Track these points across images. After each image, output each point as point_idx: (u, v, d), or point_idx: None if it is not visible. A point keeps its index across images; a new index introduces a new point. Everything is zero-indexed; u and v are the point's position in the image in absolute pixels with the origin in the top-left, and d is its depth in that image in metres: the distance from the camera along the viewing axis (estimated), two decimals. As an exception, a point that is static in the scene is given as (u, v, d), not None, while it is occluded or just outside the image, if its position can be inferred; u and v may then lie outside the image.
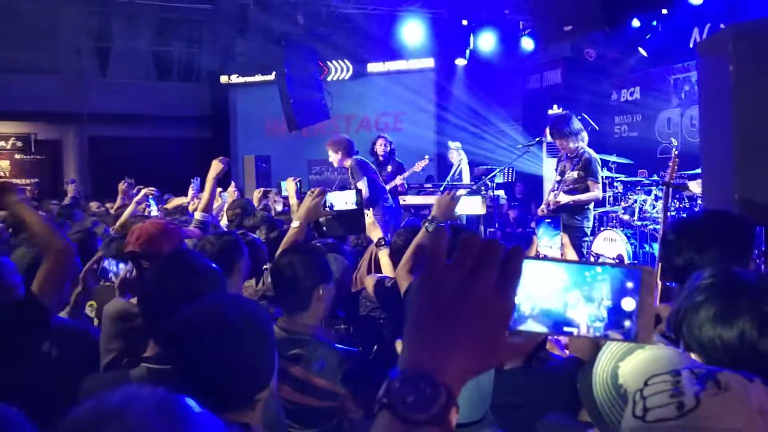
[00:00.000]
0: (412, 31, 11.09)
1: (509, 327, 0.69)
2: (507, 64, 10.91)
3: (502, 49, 10.47)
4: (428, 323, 0.64)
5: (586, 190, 5.06)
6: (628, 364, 1.08)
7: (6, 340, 1.95)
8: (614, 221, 7.46)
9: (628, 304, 0.68)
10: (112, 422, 0.69)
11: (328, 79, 13.79)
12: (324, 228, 2.95)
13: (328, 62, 13.75)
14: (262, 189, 6.34)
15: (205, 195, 3.73)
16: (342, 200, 2.81)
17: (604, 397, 1.11)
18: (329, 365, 2.29)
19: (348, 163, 6.18)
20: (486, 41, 10.21)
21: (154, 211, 4.74)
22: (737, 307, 1.21)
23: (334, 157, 6.23)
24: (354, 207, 2.78)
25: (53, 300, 2.17)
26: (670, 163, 3.64)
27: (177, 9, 13.71)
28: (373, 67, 13.81)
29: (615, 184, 7.46)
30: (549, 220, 2.12)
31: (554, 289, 0.70)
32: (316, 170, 12.95)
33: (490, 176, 7.07)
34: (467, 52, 9.93)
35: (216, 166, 3.74)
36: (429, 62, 13.02)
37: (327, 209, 2.75)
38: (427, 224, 2.59)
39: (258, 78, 14.34)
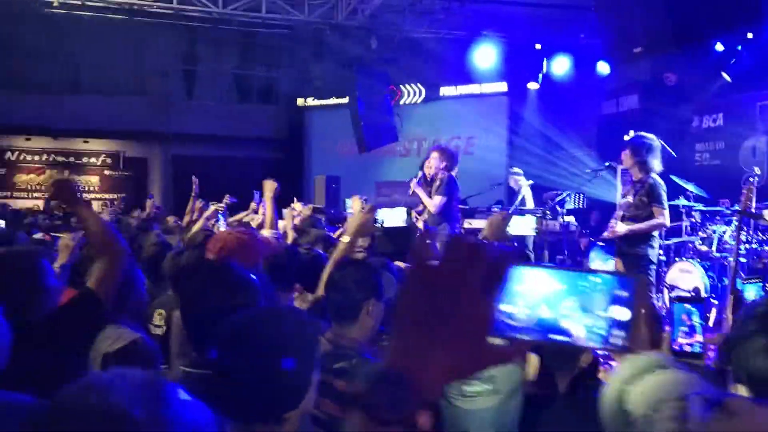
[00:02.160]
0: (485, 55, 11.08)
1: (502, 333, 0.68)
2: (581, 89, 10.72)
3: (577, 73, 10.30)
4: (410, 325, 0.65)
5: (650, 216, 4.85)
6: (637, 389, 1.02)
7: (63, 337, 2.03)
8: (691, 252, 7.12)
9: (622, 313, 0.67)
10: (96, 394, 0.73)
11: (401, 102, 13.96)
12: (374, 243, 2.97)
13: (401, 86, 13.93)
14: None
15: (268, 213, 3.91)
16: (392, 217, 2.82)
17: (611, 423, 1.06)
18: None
19: (442, 175, 6.12)
20: (560, 65, 10.08)
21: (222, 226, 4.92)
22: None
23: (435, 164, 6.16)
24: (403, 224, 2.79)
25: (107, 300, 2.25)
26: (745, 191, 3.45)
27: (258, 34, 14.29)
28: (445, 90, 13.87)
29: (692, 213, 7.14)
30: (602, 244, 2.05)
31: (550, 297, 0.69)
32: (383, 192, 13.05)
33: (557, 200, 6.91)
34: (540, 76, 9.82)
35: (270, 186, 3.98)
36: (502, 86, 12.95)
37: (378, 225, 2.77)
38: (478, 244, 2.56)
39: (333, 101, 14.67)
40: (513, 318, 0.69)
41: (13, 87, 14.20)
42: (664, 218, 4.91)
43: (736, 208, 6.87)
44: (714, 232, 6.84)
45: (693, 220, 7.15)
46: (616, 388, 1.11)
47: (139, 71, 15.14)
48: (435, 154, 6.30)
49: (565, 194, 7.10)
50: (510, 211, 7.87)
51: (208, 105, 15.53)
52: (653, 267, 5.10)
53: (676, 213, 7.62)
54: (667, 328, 1.91)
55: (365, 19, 11.30)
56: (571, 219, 8.25)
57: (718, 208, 7.19)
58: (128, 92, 15.05)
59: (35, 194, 14.74)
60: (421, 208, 6.72)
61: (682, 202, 7.25)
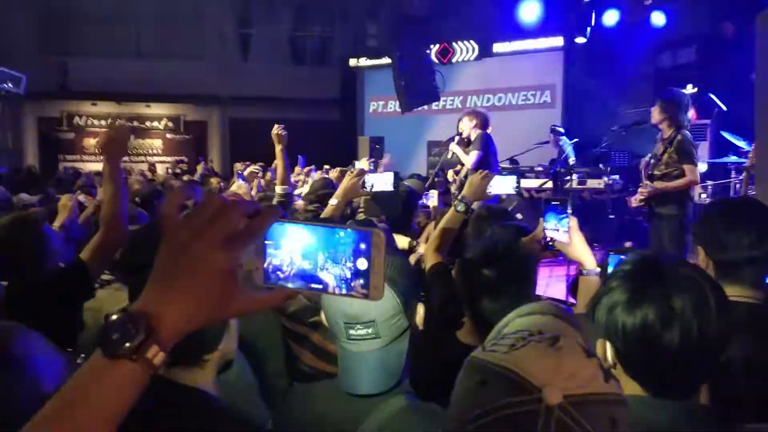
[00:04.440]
0: (533, 9, 10.73)
1: (270, 282, 0.76)
2: (636, 41, 10.26)
3: (630, 25, 9.86)
4: (157, 272, 0.72)
5: (682, 174, 4.66)
6: (520, 320, 1.10)
7: (53, 301, 2.20)
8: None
9: (362, 263, 0.73)
10: None
11: (453, 60, 13.75)
12: (362, 208, 3.04)
13: (454, 43, 13.70)
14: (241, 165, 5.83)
15: (279, 168, 3.77)
16: (381, 182, 2.88)
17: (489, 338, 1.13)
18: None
19: (476, 134, 6.28)
20: (611, 17, 9.67)
21: (242, 187, 5.10)
22: (646, 295, 1.16)
23: (467, 125, 6.36)
24: (391, 189, 2.84)
25: (99, 269, 2.40)
26: (752, 148, 3.29)
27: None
28: (499, 47, 13.56)
29: (741, 170, 6.82)
30: (557, 202, 2.07)
31: (307, 250, 0.76)
32: (435, 152, 13.02)
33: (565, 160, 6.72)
34: (588, 29, 9.46)
35: (277, 137, 3.73)
36: (558, 41, 12.54)
37: (366, 190, 2.83)
38: (456, 203, 2.60)
39: (384, 61, 14.60)
40: (280, 269, 0.77)
41: (78, 53, 14.84)
42: (695, 175, 4.72)
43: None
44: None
45: (743, 178, 6.83)
46: (509, 318, 1.20)
47: (197, 35, 15.49)
48: (465, 117, 6.44)
49: (599, 149, 6.89)
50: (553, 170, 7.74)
51: (263, 68, 15.77)
52: (687, 228, 4.91)
53: (725, 170, 7.30)
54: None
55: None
56: (616, 177, 8.03)
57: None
58: (187, 57, 15.44)
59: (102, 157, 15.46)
60: (458, 168, 6.76)
61: (732, 159, 6.93)
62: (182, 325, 0.71)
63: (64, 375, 0.95)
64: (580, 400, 0.76)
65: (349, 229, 0.75)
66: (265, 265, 0.77)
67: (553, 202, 2.03)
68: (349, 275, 0.74)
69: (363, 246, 0.73)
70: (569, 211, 2.01)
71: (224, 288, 0.72)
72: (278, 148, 3.72)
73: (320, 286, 0.75)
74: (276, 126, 3.77)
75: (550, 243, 2.05)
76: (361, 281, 0.74)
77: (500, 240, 1.92)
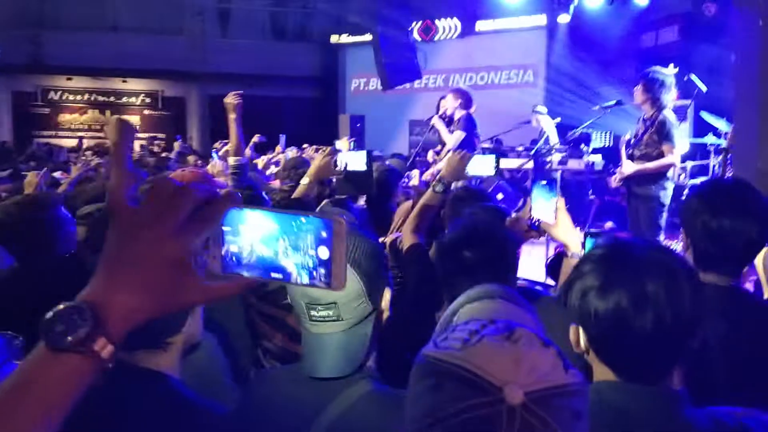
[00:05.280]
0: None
1: (228, 270, 0.71)
2: (619, 21, 10.25)
3: (613, 4, 9.83)
4: (105, 260, 0.68)
5: (661, 155, 4.65)
6: (467, 308, 1.07)
7: (59, 290, 2.15)
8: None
9: (324, 252, 0.69)
10: None
11: (436, 38, 13.65)
12: (335, 187, 3.00)
13: (437, 20, 13.58)
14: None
15: (232, 138, 3.56)
16: (354, 161, 2.84)
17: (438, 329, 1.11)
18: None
19: (459, 114, 6.21)
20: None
21: (218, 164, 5.02)
22: (618, 279, 1.13)
23: (451, 104, 6.26)
24: (364, 168, 2.81)
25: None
26: (731, 128, 3.28)
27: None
28: (482, 24, 13.47)
29: (720, 150, 6.85)
30: (545, 182, 2.03)
31: (267, 238, 0.71)
32: (417, 131, 12.96)
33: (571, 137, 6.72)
34: (571, 8, 9.42)
35: (231, 105, 3.51)
36: (541, 19, 12.49)
37: (339, 169, 2.78)
38: (434, 183, 2.56)
39: (367, 37, 14.43)
40: (238, 256, 0.72)
41: (53, 27, 14.49)
42: (675, 157, 4.71)
43: None
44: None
45: (721, 158, 6.86)
46: (458, 304, 1.20)
47: (176, 10, 15.18)
48: (450, 95, 6.33)
49: (580, 129, 6.86)
50: (534, 151, 7.73)
51: (243, 44, 15.51)
52: (665, 210, 4.90)
53: (703, 151, 7.34)
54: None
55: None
56: (596, 158, 8.03)
57: None
58: (165, 31, 15.13)
59: (79, 133, 15.22)
60: (439, 148, 6.70)
61: (710, 139, 6.94)
62: (132, 315, 0.67)
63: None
64: (542, 395, 0.73)
65: (310, 216, 0.71)
66: (223, 253, 0.73)
67: (542, 182, 2.00)
68: (310, 264, 0.70)
69: (324, 234, 0.69)
70: (557, 191, 1.97)
71: (177, 278, 0.68)
72: (231, 117, 3.51)
73: (281, 276, 0.71)
74: (231, 94, 3.54)
75: (536, 223, 2.02)
76: (323, 270, 0.70)
77: (481, 221, 1.88)
